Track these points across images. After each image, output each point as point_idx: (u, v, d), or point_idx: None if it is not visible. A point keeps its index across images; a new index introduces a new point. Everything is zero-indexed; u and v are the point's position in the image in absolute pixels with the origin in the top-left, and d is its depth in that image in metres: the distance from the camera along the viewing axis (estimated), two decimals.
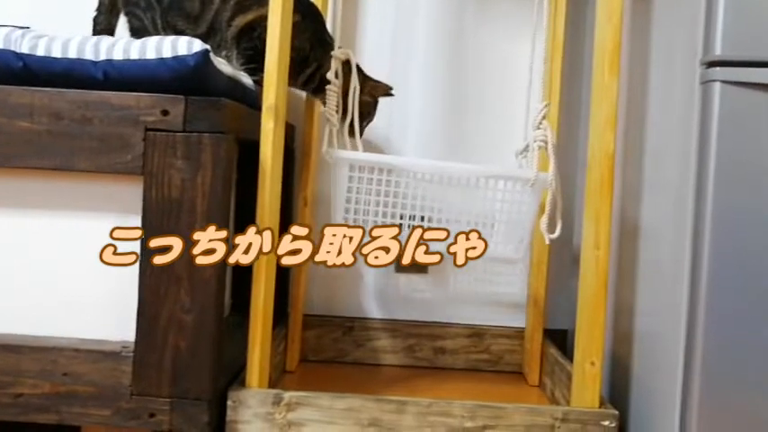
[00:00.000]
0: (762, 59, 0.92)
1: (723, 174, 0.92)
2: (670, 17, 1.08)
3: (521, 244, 1.13)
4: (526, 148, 1.18)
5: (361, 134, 1.29)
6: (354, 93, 1.25)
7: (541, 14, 1.13)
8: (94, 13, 1.28)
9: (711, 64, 0.93)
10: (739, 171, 0.92)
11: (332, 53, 1.24)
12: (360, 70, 1.30)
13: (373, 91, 1.30)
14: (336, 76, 1.18)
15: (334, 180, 1.12)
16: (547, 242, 1.11)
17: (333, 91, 1.16)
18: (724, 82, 0.92)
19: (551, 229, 1.11)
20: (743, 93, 0.92)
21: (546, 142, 1.11)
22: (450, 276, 1.55)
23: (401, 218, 1.13)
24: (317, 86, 1.28)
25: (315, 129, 1.42)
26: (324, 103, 1.25)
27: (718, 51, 0.92)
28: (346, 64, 1.26)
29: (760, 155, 0.92)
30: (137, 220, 1.00)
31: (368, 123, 1.33)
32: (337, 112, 1.17)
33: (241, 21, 1.21)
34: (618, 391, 1.22)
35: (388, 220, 1.12)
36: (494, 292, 1.55)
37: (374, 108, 1.33)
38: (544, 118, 1.12)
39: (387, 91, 1.32)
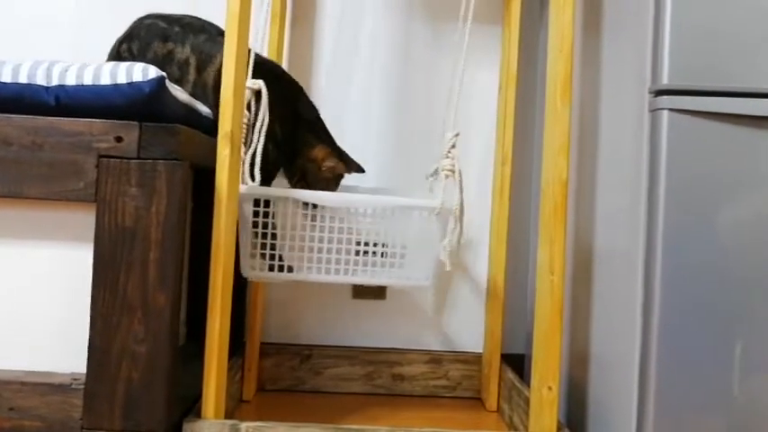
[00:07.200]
0: (707, 88, 0.95)
1: (673, 199, 0.95)
2: (619, 47, 1.12)
3: (429, 270, 1.17)
4: (436, 171, 1.21)
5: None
6: (262, 127, 1.13)
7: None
8: None
9: (659, 93, 0.96)
10: (688, 196, 0.95)
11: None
12: (333, 145, 1.25)
13: (336, 168, 1.23)
14: (249, 110, 1.13)
15: (240, 217, 1.11)
16: (447, 269, 1.13)
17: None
18: (672, 110, 0.95)
19: (452, 257, 1.14)
20: (690, 120, 0.95)
21: (453, 171, 1.14)
22: (409, 302, 1.55)
23: (318, 251, 1.15)
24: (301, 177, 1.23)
25: None
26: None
27: (665, 80, 0.95)
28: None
29: (708, 180, 0.95)
30: (89, 249, 0.97)
31: None
32: (245, 144, 1.12)
33: (212, 70, 1.21)
34: (575, 415, 1.23)
35: (306, 255, 1.14)
36: (452, 316, 1.55)
37: (335, 184, 1.26)
38: (453, 147, 1.14)
39: (350, 171, 1.25)
